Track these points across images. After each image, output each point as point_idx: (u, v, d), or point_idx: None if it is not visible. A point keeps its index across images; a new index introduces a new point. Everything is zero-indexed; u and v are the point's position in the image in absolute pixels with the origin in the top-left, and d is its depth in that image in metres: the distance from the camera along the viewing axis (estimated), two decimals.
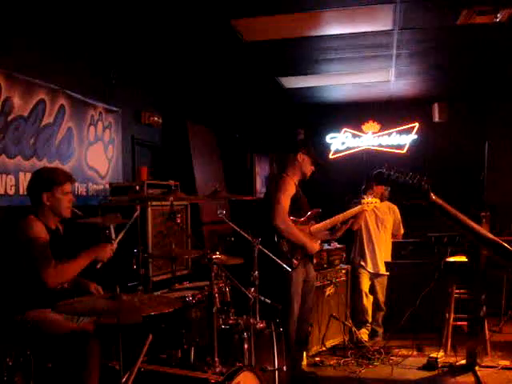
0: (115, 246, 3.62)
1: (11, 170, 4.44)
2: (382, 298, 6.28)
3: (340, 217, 5.04)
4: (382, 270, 6.13)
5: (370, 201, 5.29)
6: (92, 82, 5.74)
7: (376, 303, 6.28)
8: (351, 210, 5.17)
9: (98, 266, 3.54)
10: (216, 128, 8.58)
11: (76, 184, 5.24)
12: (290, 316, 4.63)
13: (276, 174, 5.05)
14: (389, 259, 5.92)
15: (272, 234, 4.57)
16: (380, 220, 6.31)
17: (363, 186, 6.12)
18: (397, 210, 6.43)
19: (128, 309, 2.70)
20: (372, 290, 6.27)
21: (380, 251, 6.22)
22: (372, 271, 6.22)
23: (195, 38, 5.64)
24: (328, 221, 4.99)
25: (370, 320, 6.24)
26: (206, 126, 8.27)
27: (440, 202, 2.09)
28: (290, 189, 4.71)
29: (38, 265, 3.22)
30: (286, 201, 4.63)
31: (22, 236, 3.29)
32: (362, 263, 6.25)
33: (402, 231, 6.45)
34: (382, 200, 6.30)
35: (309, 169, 4.90)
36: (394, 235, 6.39)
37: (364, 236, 6.28)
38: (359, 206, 5.25)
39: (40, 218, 3.42)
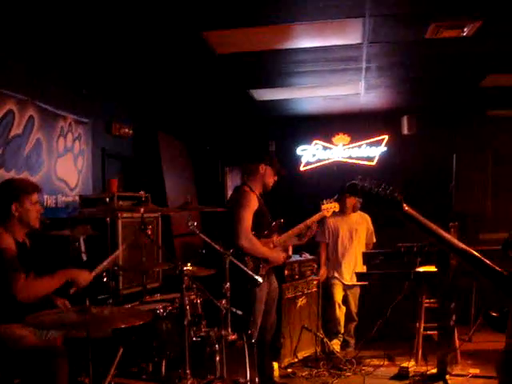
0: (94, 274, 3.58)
1: None
2: (354, 308, 6.31)
3: (301, 225, 5.08)
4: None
5: (329, 206, 5.36)
6: (62, 92, 5.69)
7: (348, 314, 6.29)
8: (312, 218, 5.20)
9: (72, 292, 3.46)
10: (187, 140, 8.57)
11: (45, 196, 5.17)
12: (252, 328, 4.60)
13: (238, 186, 5.02)
14: (363, 269, 5.97)
15: (237, 250, 4.51)
16: (353, 230, 6.34)
17: (335, 197, 6.15)
18: (369, 220, 6.47)
19: (98, 322, 2.67)
20: (345, 300, 6.29)
21: (355, 261, 6.24)
22: (348, 283, 6.23)
23: (166, 50, 5.62)
24: (290, 231, 5.03)
25: (342, 331, 6.25)
26: (177, 138, 8.25)
27: (412, 212, 2.13)
28: (252, 204, 4.68)
29: (7, 277, 3.15)
30: (248, 218, 4.60)
31: None
32: (336, 275, 6.26)
33: (374, 240, 6.49)
34: (354, 211, 6.37)
35: (271, 180, 4.90)
36: (366, 245, 6.43)
37: (338, 247, 6.30)
38: (319, 213, 5.30)
39: (8, 231, 3.36)
